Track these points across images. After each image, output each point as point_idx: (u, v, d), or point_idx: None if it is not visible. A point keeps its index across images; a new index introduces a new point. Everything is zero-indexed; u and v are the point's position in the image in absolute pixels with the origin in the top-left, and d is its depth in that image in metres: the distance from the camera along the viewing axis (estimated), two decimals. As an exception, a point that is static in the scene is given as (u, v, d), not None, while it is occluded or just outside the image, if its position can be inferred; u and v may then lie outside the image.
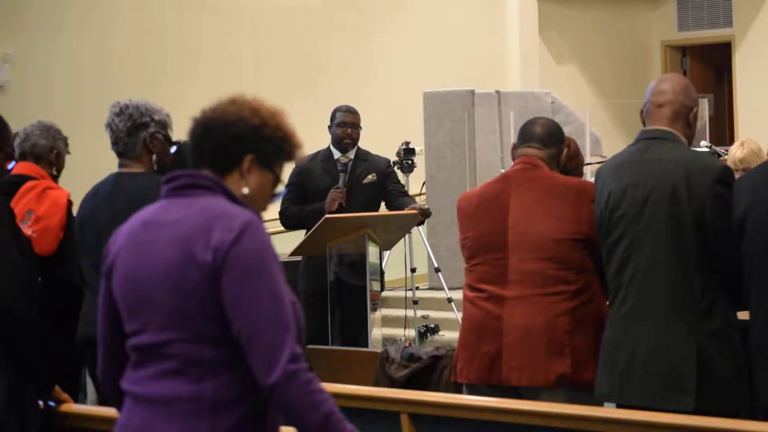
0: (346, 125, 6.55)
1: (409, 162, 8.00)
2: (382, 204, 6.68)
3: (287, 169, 2.74)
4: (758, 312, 3.66)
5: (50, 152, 5.03)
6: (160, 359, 2.56)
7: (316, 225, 5.96)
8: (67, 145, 5.13)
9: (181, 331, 2.54)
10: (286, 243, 6.27)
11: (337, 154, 6.56)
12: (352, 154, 6.57)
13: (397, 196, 6.59)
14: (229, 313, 2.51)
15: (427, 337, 7.75)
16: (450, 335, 7.50)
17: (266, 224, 2.64)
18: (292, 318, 2.52)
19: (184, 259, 2.53)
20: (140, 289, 2.59)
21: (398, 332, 8.41)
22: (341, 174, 6.47)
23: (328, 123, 6.63)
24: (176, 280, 2.53)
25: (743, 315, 3.79)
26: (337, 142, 6.55)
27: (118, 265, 2.65)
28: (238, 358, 2.51)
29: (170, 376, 2.55)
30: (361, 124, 6.64)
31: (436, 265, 8.55)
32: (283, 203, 6.50)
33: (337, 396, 2.64)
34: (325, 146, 6.62)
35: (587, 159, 7.88)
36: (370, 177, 6.55)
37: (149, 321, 2.58)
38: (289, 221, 6.61)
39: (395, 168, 7.10)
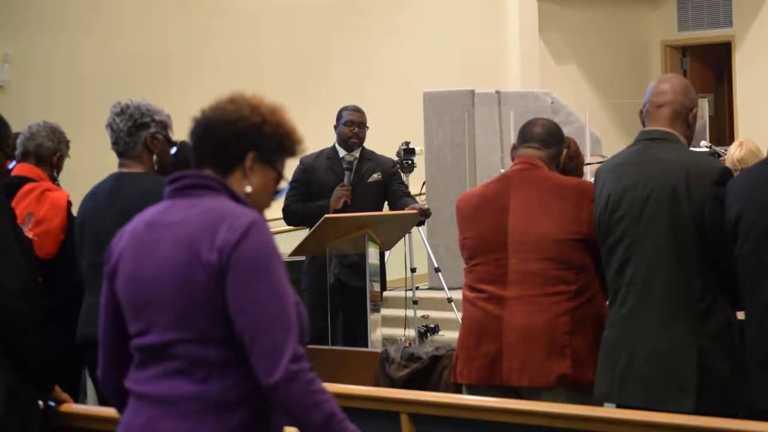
0: (353, 124, 6.57)
1: (409, 162, 7.99)
2: (385, 204, 6.69)
3: (289, 166, 2.74)
4: (753, 314, 3.65)
5: (54, 154, 5.02)
6: (166, 359, 2.57)
7: (316, 224, 5.96)
8: (68, 148, 5.14)
9: (187, 332, 2.54)
10: (288, 243, 6.26)
11: (342, 153, 6.57)
12: (357, 153, 6.58)
13: (400, 197, 6.60)
14: (232, 312, 2.51)
15: (427, 337, 7.74)
16: (450, 335, 7.49)
17: (269, 224, 2.64)
18: (295, 318, 2.53)
19: (189, 260, 2.53)
20: (145, 290, 2.59)
21: (398, 332, 8.39)
22: (347, 172, 6.48)
23: (334, 122, 6.65)
24: (181, 280, 2.54)
25: (743, 315, 3.79)
26: (344, 140, 6.57)
27: (122, 265, 2.65)
28: (243, 359, 2.51)
29: (175, 375, 2.55)
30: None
31: (436, 265, 8.55)
32: (286, 200, 6.49)
33: (337, 396, 2.64)
34: (330, 145, 6.63)
35: (587, 159, 7.87)
36: (375, 176, 6.56)
37: (154, 321, 2.58)
38: (292, 218, 6.61)
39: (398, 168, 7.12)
